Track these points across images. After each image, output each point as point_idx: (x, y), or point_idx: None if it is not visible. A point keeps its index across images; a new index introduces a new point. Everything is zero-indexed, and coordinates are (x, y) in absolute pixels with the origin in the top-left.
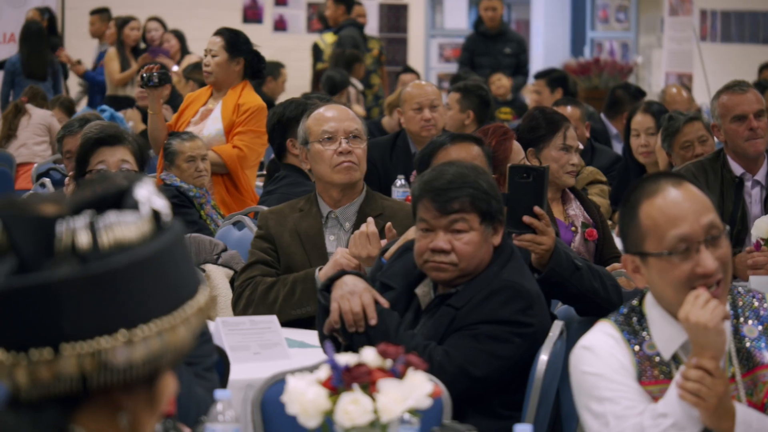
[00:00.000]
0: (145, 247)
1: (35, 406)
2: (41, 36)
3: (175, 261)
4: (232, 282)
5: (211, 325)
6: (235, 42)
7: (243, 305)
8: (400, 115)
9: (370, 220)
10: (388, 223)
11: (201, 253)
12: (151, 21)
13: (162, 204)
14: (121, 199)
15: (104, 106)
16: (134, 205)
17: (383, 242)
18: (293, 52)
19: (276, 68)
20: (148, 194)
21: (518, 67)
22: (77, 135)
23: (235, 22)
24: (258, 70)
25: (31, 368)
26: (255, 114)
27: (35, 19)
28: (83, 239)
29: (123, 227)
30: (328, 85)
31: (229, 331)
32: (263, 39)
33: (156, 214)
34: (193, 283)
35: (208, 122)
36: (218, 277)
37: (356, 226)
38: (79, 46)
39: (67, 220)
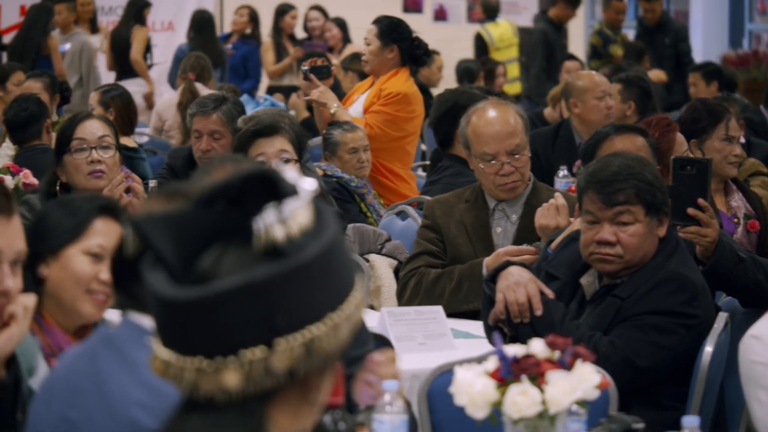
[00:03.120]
0: (325, 230)
1: (239, 406)
2: (211, 26)
3: (343, 244)
4: (396, 272)
5: (377, 315)
6: (388, 29)
7: (408, 296)
8: (574, 106)
9: (558, 194)
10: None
11: (365, 243)
12: (312, 10)
13: (311, 183)
14: (277, 186)
15: (266, 95)
16: (293, 191)
17: (571, 219)
18: (454, 41)
19: None
20: (296, 176)
21: (678, 57)
22: (210, 116)
23: (395, 12)
24: (417, 57)
25: (246, 368)
26: (394, 99)
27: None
28: (279, 233)
29: (300, 214)
30: (466, 75)
31: (395, 321)
32: (423, 28)
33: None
34: (355, 265)
35: (353, 105)
36: (382, 267)
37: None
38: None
39: (261, 216)
